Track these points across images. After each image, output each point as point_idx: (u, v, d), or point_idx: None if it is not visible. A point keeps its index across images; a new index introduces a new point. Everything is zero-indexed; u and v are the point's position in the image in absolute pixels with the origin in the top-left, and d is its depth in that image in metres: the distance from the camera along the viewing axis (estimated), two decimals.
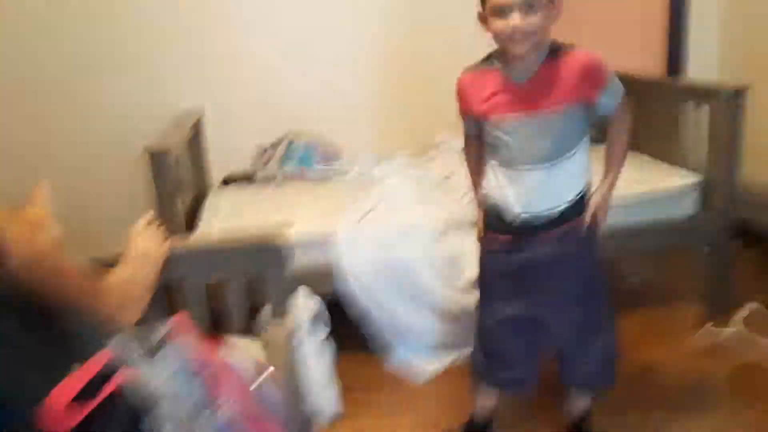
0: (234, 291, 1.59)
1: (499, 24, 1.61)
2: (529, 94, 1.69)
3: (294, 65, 3.40)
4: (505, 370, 1.95)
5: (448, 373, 2.49)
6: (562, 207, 1.76)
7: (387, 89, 3.49)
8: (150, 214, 1.59)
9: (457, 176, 2.80)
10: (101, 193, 3.33)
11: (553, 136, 1.69)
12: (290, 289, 1.64)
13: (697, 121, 2.79)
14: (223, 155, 3.35)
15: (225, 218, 2.71)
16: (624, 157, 1.87)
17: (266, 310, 1.84)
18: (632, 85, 2.76)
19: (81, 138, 3.30)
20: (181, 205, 2.60)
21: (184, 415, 0.79)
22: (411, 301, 2.53)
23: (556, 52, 1.68)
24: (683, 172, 2.82)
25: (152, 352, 0.87)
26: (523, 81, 1.69)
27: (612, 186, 1.85)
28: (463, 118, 1.88)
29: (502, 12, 1.59)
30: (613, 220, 1.96)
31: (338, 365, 2.38)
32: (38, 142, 3.27)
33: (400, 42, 3.45)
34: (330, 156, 3.34)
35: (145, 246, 1.42)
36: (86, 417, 0.74)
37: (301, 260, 2.45)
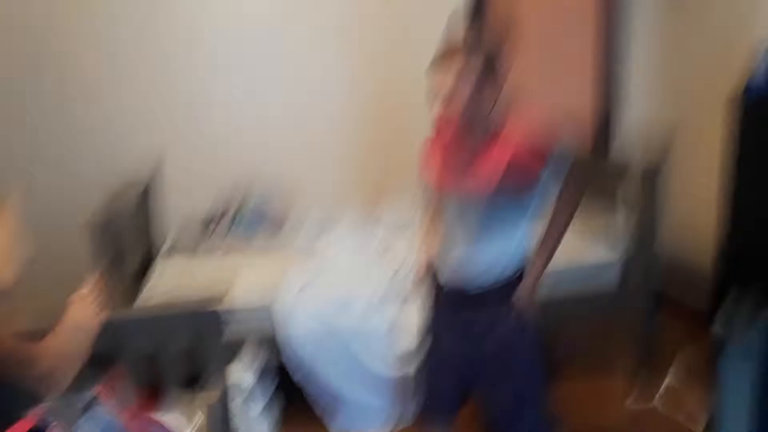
0: (171, 357, 1.64)
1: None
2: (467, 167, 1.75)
3: (251, 114, 3.55)
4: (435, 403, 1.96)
5: None
6: (484, 282, 1.80)
7: (349, 144, 3.66)
8: (88, 284, 1.63)
9: (395, 250, 2.95)
10: (46, 262, 3.32)
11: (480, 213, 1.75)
12: (229, 355, 1.70)
13: (621, 196, 3.00)
14: (167, 225, 3.43)
15: (168, 286, 2.76)
16: (554, 243, 1.82)
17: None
18: None
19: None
20: (127, 271, 2.64)
21: None
22: (351, 371, 2.60)
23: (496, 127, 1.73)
24: (605, 246, 3.00)
25: (81, 412, 0.94)
26: (465, 155, 1.76)
27: (534, 277, 1.81)
28: None
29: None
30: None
31: (284, 428, 2.41)
32: None
33: (366, 99, 3.61)
34: (276, 224, 3.44)
35: (79, 316, 1.47)
36: None
37: (243, 327, 2.52)
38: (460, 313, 1.85)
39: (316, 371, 2.56)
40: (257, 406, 2.30)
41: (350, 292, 2.70)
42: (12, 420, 0.87)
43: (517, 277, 1.83)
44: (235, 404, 2.13)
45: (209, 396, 1.44)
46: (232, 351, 1.67)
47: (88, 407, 0.94)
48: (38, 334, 1.33)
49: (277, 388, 2.49)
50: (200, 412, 1.34)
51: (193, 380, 1.65)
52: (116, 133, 3.43)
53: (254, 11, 3.47)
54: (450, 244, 1.83)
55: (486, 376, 1.86)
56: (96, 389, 0.98)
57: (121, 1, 3.34)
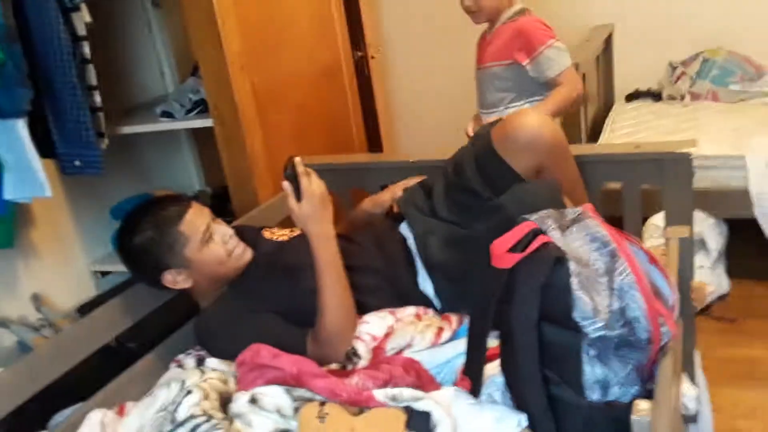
0: (629, 198, 1.68)
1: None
2: (482, 50, 2.08)
3: None
4: None
5: None
6: None
7: None
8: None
9: None
10: None
11: (493, 87, 2.03)
12: (688, 205, 1.65)
13: None
14: (630, 71, 3.35)
15: (626, 132, 2.78)
16: (553, 106, 1.88)
17: (656, 218, 1.92)
18: None
19: None
20: (586, 116, 2.75)
21: (588, 275, 0.97)
22: None
23: (514, 18, 1.97)
24: None
25: (571, 222, 1.07)
26: (484, 40, 2.09)
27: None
28: None
29: None
30: None
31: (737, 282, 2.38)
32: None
33: None
34: (749, 76, 3.07)
35: None
36: (519, 261, 0.99)
37: (710, 175, 2.38)
38: None
39: None
40: (712, 254, 2.24)
41: None
42: (509, 227, 1.06)
43: None
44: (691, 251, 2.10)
45: (678, 231, 1.43)
46: (689, 200, 1.62)
47: (577, 219, 1.07)
48: None
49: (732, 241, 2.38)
50: (672, 244, 1.37)
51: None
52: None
53: None
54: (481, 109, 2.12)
55: None
56: (576, 210, 1.10)
57: None
